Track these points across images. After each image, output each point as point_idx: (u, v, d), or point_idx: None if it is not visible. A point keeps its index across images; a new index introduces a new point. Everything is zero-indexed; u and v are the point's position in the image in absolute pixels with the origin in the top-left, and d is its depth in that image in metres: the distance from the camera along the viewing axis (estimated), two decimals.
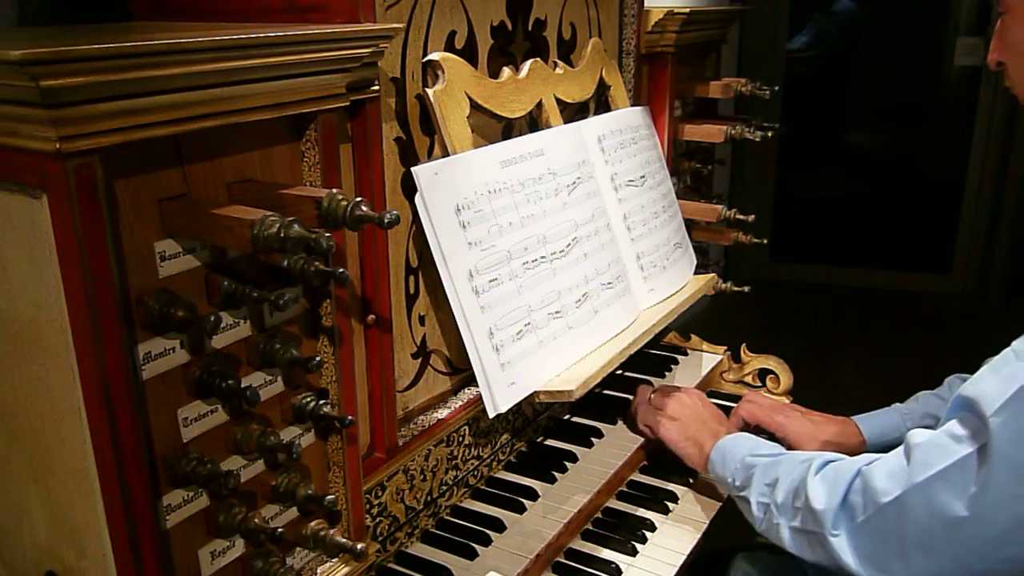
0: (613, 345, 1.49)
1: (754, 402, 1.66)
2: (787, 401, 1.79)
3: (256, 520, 0.95)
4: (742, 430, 1.67)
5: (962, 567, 1.00)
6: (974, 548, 0.98)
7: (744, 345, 1.95)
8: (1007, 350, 1.00)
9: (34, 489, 0.92)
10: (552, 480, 1.48)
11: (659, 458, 1.59)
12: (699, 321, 2.17)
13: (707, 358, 1.96)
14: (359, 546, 1.03)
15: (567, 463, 1.53)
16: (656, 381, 1.84)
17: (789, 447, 1.57)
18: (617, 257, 1.59)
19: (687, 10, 1.79)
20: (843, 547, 1.09)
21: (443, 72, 1.24)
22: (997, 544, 0.96)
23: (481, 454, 1.46)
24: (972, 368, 1.40)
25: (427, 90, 1.23)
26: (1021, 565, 1.00)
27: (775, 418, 1.61)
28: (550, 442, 1.61)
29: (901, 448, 1.07)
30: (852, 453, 1.56)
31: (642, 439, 1.60)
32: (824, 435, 1.56)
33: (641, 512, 1.45)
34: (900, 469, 1.04)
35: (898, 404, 1.61)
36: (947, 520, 0.97)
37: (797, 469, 1.20)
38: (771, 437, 1.65)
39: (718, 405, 1.73)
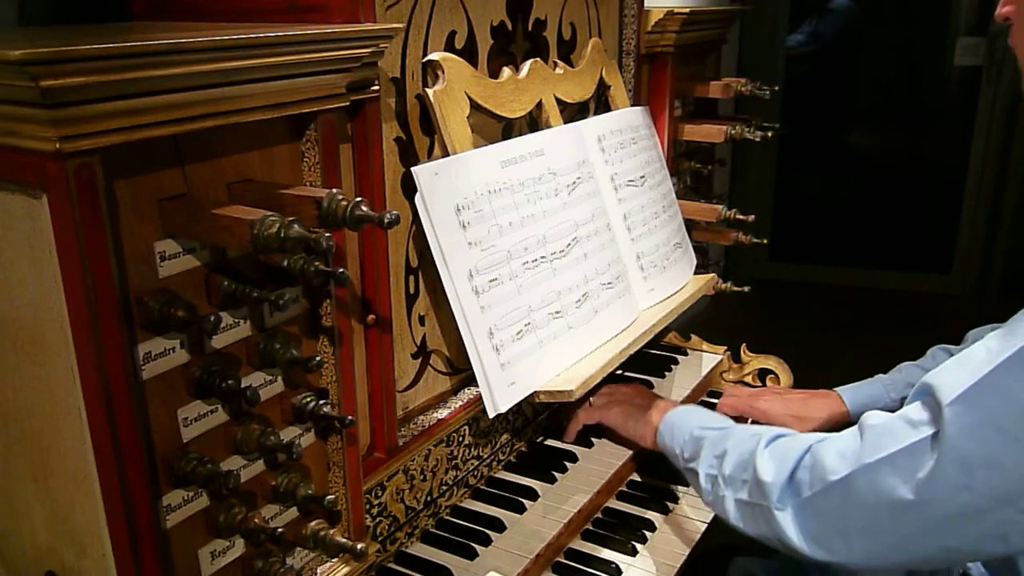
0: (613, 345, 1.49)
1: (733, 395, 1.68)
2: None
3: (256, 520, 0.95)
4: None
5: (901, 551, 1.00)
6: (915, 534, 0.98)
7: (744, 345, 1.95)
8: (979, 344, 1.00)
9: (34, 489, 0.92)
10: (552, 480, 1.48)
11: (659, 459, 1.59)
12: (699, 321, 2.17)
13: (707, 358, 1.96)
14: (359, 546, 1.03)
15: (567, 463, 1.53)
16: (656, 381, 1.85)
17: None
18: (617, 257, 1.59)
19: (687, 10, 1.79)
20: (787, 521, 1.09)
21: (443, 72, 1.24)
22: (938, 532, 0.97)
23: (481, 454, 1.46)
24: None
25: (427, 90, 1.23)
26: (957, 555, 1.02)
27: (756, 406, 1.62)
28: (550, 442, 1.61)
29: (855, 428, 1.07)
30: (836, 425, 1.58)
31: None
32: (807, 411, 1.58)
33: (641, 512, 1.45)
34: (852, 449, 1.04)
35: (881, 375, 1.61)
36: (892, 503, 0.98)
37: (747, 442, 1.19)
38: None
39: (714, 405, 1.73)
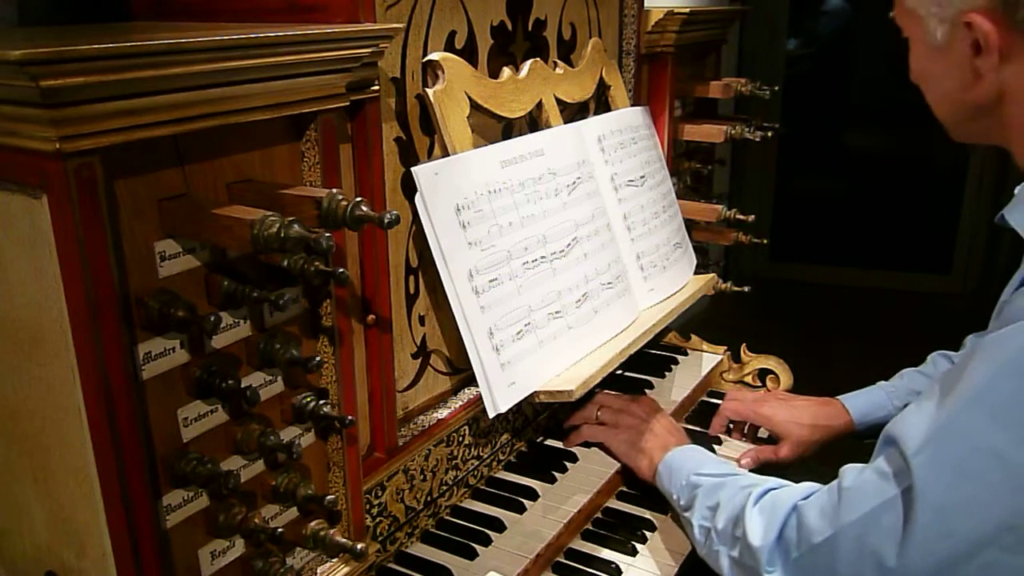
0: (613, 345, 1.49)
1: (736, 399, 1.67)
2: None
3: (256, 520, 0.95)
4: (728, 428, 1.67)
5: None
6: None
7: (744, 345, 1.95)
8: (933, 385, 1.00)
9: (34, 489, 0.92)
10: (552, 480, 1.48)
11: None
12: (699, 321, 2.17)
13: (707, 358, 1.96)
14: (359, 546, 1.03)
15: (567, 463, 1.53)
16: (656, 381, 1.85)
17: (778, 438, 1.58)
18: (617, 257, 1.59)
19: (687, 10, 1.79)
20: None
21: (443, 72, 1.24)
22: None
23: (481, 454, 1.46)
24: None
25: (427, 90, 1.23)
26: None
27: (760, 412, 1.61)
28: (550, 442, 1.61)
29: (834, 483, 1.07)
30: (840, 433, 1.57)
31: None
32: (810, 419, 1.57)
33: (641, 512, 1.45)
34: (831, 507, 1.04)
35: (883, 382, 1.61)
36: (877, 562, 0.97)
37: (738, 496, 1.19)
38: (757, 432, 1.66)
39: (714, 405, 1.73)
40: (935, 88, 1.11)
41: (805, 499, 1.10)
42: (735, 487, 1.22)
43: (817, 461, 1.56)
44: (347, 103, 0.99)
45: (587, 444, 1.59)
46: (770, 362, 1.91)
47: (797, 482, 1.20)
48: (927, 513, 0.93)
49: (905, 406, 1.53)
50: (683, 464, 1.35)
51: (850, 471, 1.05)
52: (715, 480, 1.27)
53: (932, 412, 0.96)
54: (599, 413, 1.58)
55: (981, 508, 0.92)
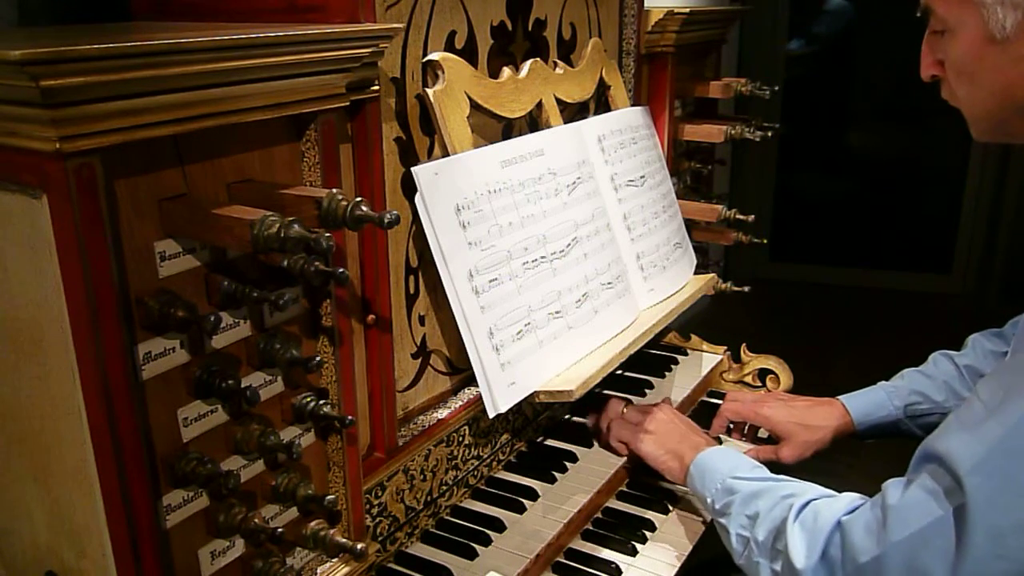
0: (613, 345, 1.49)
1: (737, 400, 1.66)
2: None
3: (256, 520, 0.95)
4: (728, 429, 1.67)
5: None
6: None
7: (744, 345, 1.95)
8: (974, 398, 0.98)
9: (34, 489, 0.92)
10: (552, 480, 1.48)
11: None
12: (699, 321, 2.17)
13: (707, 358, 1.96)
14: (359, 546, 1.03)
15: (567, 463, 1.53)
16: (656, 381, 1.85)
17: (778, 439, 1.58)
18: (617, 257, 1.59)
19: (687, 10, 1.79)
20: None
21: (443, 72, 1.24)
22: None
23: (481, 454, 1.46)
24: None
25: (427, 90, 1.23)
26: None
27: (760, 412, 1.61)
28: (550, 442, 1.61)
29: (878, 498, 1.05)
30: (841, 434, 1.56)
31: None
32: (810, 419, 1.56)
33: (641, 512, 1.45)
34: (877, 525, 1.02)
35: (883, 382, 1.61)
36: None
37: (779, 507, 1.16)
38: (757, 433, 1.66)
39: (714, 405, 1.73)
40: (982, 82, 1.06)
41: (848, 514, 1.07)
42: (776, 496, 1.19)
43: (817, 461, 1.56)
44: (347, 103, 0.99)
45: (588, 443, 1.59)
46: (770, 362, 1.91)
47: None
48: (981, 534, 0.92)
49: (906, 407, 1.54)
50: (717, 466, 1.32)
51: (893, 487, 1.03)
52: (753, 486, 1.23)
53: (983, 429, 0.94)
54: (625, 411, 1.57)
55: None
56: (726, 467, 1.31)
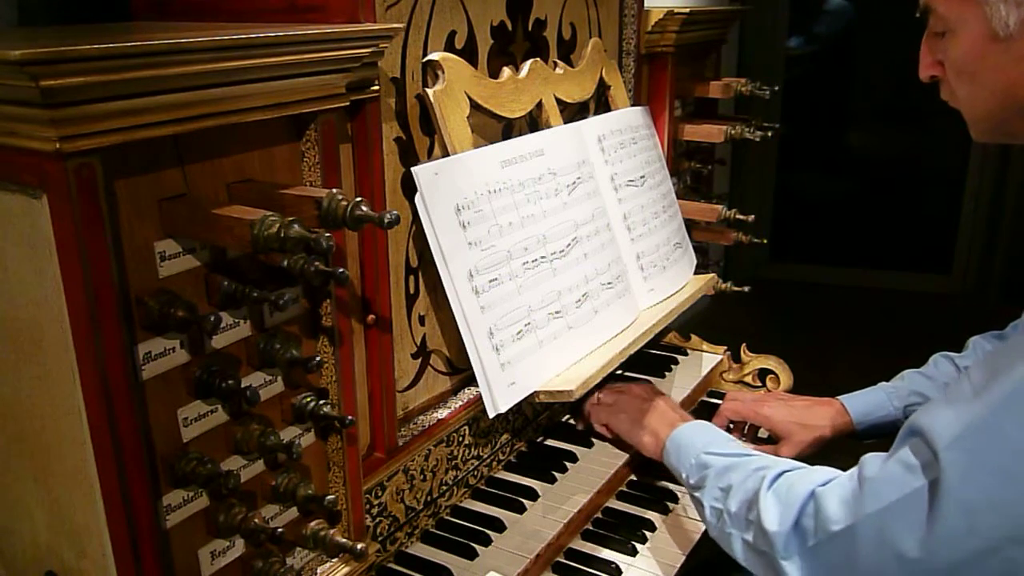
0: (613, 345, 1.49)
1: (736, 399, 1.67)
2: None
3: (256, 520, 0.95)
4: (728, 428, 1.67)
5: None
6: None
7: (744, 345, 1.95)
8: (964, 379, 0.98)
9: (34, 489, 0.92)
10: (552, 480, 1.48)
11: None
12: (699, 321, 2.17)
13: (707, 358, 1.96)
14: (359, 546, 1.03)
15: (567, 463, 1.53)
16: (656, 381, 1.84)
17: (778, 438, 1.58)
18: (617, 257, 1.59)
19: (687, 10, 1.79)
20: (793, 571, 1.07)
21: (443, 72, 1.24)
22: None
23: (481, 454, 1.46)
24: None
25: (427, 90, 1.23)
26: None
27: (760, 412, 1.61)
28: (550, 442, 1.61)
29: (854, 470, 1.05)
30: (840, 434, 1.57)
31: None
32: (810, 419, 1.56)
33: (641, 512, 1.45)
34: (852, 496, 1.02)
35: (884, 383, 1.61)
36: (898, 554, 0.96)
37: (752, 478, 1.17)
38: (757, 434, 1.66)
39: (714, 405, 1.73)
40: (984, 82, 1.06)
41: (823, 485, 1.08)
42: (748, 469, 1.20)
43: (815, 461, 1.56)
44: (347, 103, 0.99)
45: (588, 443, 1.59)
46: (770, 362, 1.91)
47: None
48: (953, 509, 0.92)
49: (906, 408, 1.54)
50: (692, 441, 1.33)
51: (871, 460, 1.04)
52: (727, 460, 1.24)
53: (965, 407, 0.94)
54: (600, 395, 1.59)
55: (1009, 508, 0.90)
56: (700, 442, 1.32)
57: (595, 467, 1.52)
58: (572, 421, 1.68)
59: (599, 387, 1.55)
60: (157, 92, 0.75)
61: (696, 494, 1.27)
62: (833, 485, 1.07)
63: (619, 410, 1.53)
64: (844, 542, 1.01)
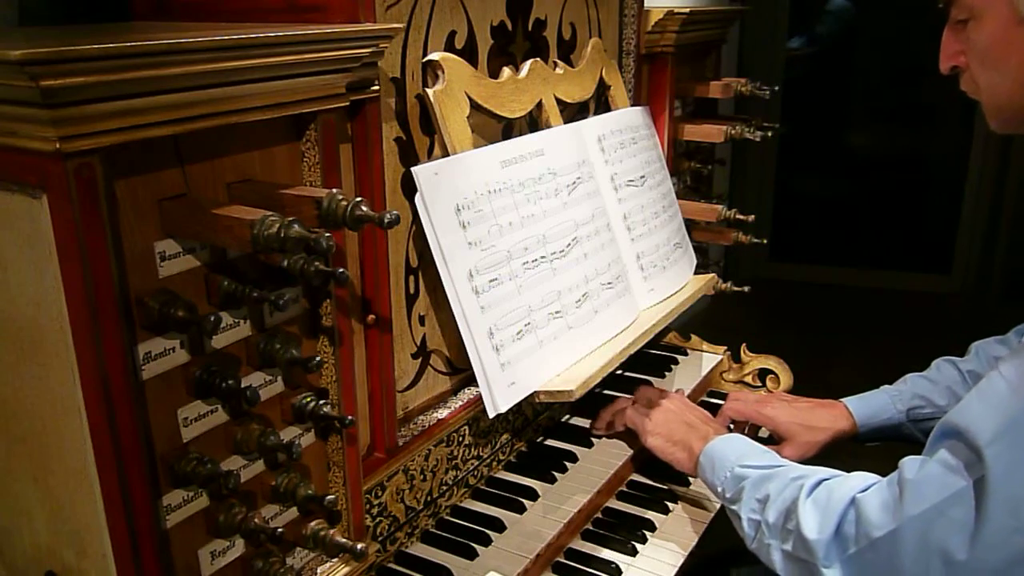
0: (613, 345, 1.49)
1: (739, 399, 1.66)
2: None
3: (256, 520, 0.95)
4: (730, 428, 1.67)
5: None
6: None
7: (744, 345, 1.95)
8: (994, 374, 0.97)
9: (34, 489, 0.92)
10: (552, 480, 1.48)
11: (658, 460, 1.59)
12: (699, 321, 2.17)
13: (707, 358, 1.96)
14: (359, 546, 1.03)
15: (567, 463, 1.53)
16: (656, 381, 1.84)
17: (780, 439, 1.58)
18: (617, 257, 1.59)
19: (687, 10, 1.80)
20: None
21: (443, 72, 1.24)
22: None
23: (481, 454, 1.46)
24: None
25: (427, 90, 1.23)
26: None
27: (763, 412, 1.60)
28: (550, 442, 1.61)
29: (894, 475, 1.04)
30: (843, 436, 1.56)
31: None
32: (813, 420, 1.56)
33: (641, 512, 1.45)
34: (893, 500, 1.01)
35: (886, 386, 1.60)
36: (944, 554, 0.95)
37: (789, 488, 1.16)
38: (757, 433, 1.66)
39: (714, 405, 1.73)
40: (1008, 68, 1.05)
41: (863, 491, 1.06)
42: (785, 478, 1.18)
43: (818, 463, 1.56)
44: (347, 103, 0.99)
45: (588, 443, 1.59)
46: (770, 362, 1.91)
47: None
48: (1001, 506, 0.91)
49: (908, 410, 1.54)
50: (726, 454, 1.31)
51: (910, 463, 1.02)
52: (762, 472, 1.23)
53: (1004, 402, 0.93)
54: (635, 400, 1.57)
55: None
56: (735, 455, 1.30)
57: (595, 467, 1.52)
58: (579, 420, 1.67)
59: (600, 386, 1.54)
60: (157, 92, 0.75)
61: (733, 507, 1.25)
62: (873, 491, 1.05)
63: (651, 424, 1.49)
64: (887, 547, 1.00)
